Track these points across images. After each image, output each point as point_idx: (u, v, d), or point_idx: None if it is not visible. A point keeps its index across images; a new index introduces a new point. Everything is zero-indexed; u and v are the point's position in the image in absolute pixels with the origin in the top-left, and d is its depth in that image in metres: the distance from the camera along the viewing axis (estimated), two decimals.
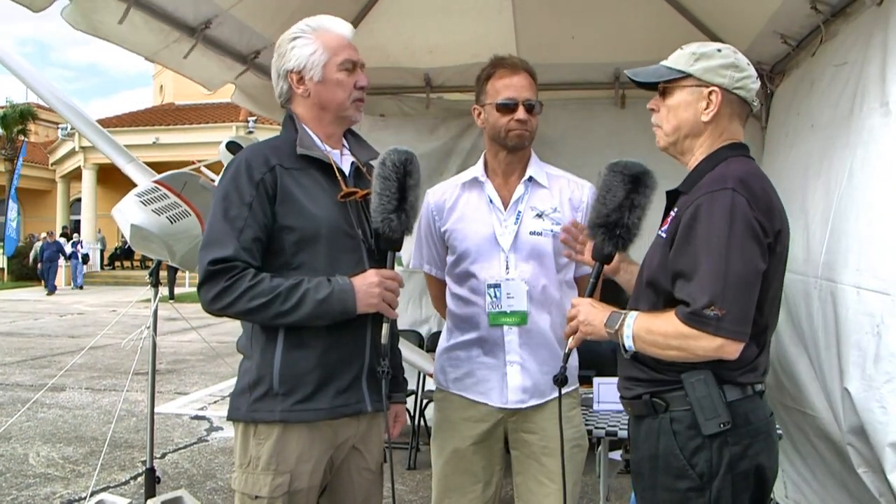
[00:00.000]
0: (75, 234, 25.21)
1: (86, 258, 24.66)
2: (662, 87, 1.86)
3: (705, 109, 1.80)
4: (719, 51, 1.82)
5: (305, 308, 1.82)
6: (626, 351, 1.77)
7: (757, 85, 1.84)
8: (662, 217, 1.85)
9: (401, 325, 2.49)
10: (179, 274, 20.03)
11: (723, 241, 1.61)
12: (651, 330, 1.71)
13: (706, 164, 1.79)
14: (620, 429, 2.95)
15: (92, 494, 4.00)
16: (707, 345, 1.62)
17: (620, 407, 3.15)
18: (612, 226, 1.87)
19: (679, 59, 1.84)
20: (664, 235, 1.77)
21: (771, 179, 1.81)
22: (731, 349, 1.62)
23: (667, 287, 1.72)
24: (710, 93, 1.79)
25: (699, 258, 1.63)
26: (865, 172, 2.55)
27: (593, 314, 1.84)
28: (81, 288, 23.13)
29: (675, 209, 1.79)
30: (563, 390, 2.25)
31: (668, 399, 1.74)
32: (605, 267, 1.97)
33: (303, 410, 1.88)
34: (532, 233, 2.26)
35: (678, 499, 1.72)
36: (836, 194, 2.74)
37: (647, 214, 1.89)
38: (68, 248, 23.73)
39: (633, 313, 1.77)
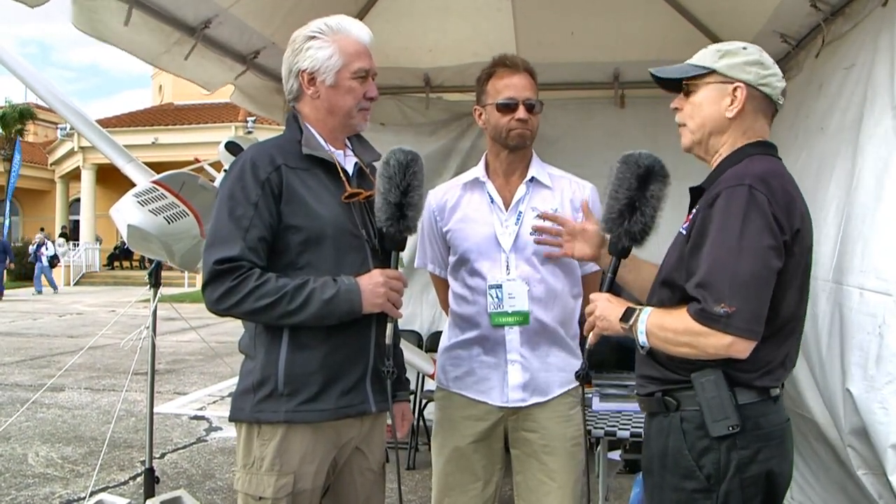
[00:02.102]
0: (38, 235, 23.30)
1: (53, 261, 22.70)
2: (687, 85, 1.83)
3: (730, 105, 1.76)
4: (745, 48, 1.79)
5: (312, 308, 1.81)
6: (641, 347, 1.75)
7: (783, 84, 1.80)
8: (687, 214, 1.82)
9: (400, 325, 2.47)
10: (178, 274, 20.02)
11: (735, 237, 1.59)
12: (663, 326, 1.69)
13: (728, 161, 1.76)
14: (620, 429, 2.95)
15: (91, 494, 3.99)
16: (717, 342, 1.60)
17: (620, 407, 3.21)
18: (626, 219, 1.85)
19: (704, 56, 1.82)
20: (684, 232, 1.75)
21: None
22: (742, 347, 1.60)
23: (683, 284, 1.69)
24: (734, 88, 1.76)
25: (711, 254, 1.62)
26: (875, 175, 2.54)
27: (609, 309, 1.82)
28: (40, 293, 21.20)
29: (697, 206, 1.76)
30: (564, 389, 2.29)
31: (678, 398, 1.72)
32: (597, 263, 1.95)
33: (308, 411, 1.88)
34: (533, 233, 2.26)
35: (685, 499, 1.70)
36: (846, 198, 2.72)
37: (662, 207, 1.86)
38: (39, 251, 22.19)
39: (648, 309, 1.75)
